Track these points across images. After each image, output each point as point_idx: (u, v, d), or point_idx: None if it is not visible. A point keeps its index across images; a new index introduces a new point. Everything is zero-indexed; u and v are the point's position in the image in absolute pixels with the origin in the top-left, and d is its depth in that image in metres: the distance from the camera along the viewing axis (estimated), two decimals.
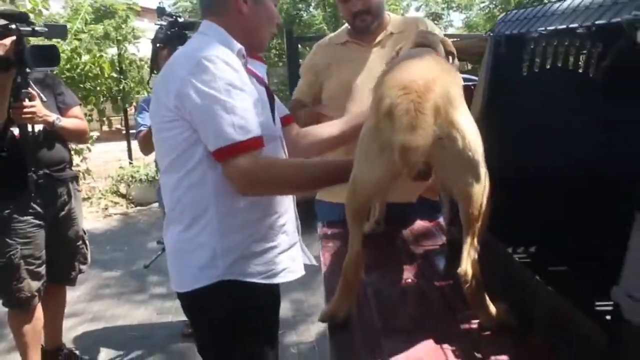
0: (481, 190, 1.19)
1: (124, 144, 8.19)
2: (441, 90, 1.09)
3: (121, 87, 7.16)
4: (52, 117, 2.54)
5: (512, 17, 1.49)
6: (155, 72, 3.26)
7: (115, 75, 6.99)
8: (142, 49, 7.51)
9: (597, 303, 1.17)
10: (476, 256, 1.21)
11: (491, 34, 1.55)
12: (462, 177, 1.16)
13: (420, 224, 2.13)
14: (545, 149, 1.42)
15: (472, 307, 1.28)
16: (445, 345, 1.22)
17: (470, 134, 1.12)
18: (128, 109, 7.72)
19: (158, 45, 2.98)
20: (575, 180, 1.32)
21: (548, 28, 1.19)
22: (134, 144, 8.57)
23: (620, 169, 1.18)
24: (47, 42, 2.61)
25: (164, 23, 2.82)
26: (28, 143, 2.46)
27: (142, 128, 3.15)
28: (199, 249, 1.46)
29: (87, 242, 3.01)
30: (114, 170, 7.25)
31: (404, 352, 1.21)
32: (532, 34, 1.29)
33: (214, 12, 1.53)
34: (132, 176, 6.96)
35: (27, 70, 2.28)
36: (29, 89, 2.36)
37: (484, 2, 24.30)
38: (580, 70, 1.29)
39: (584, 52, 1.24)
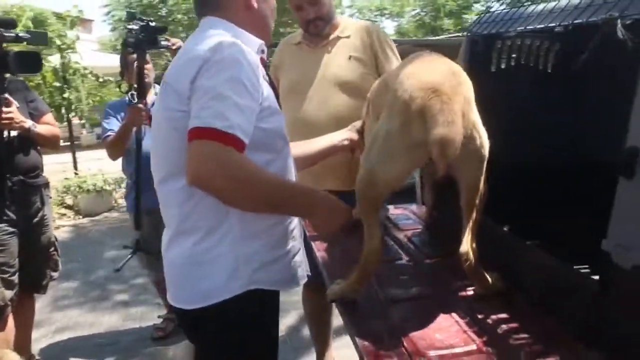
0: (483, 182, 1.37)
1: (68, 155, 7.97)
2: (464, 93, 1.25)
3: (65, 97, 6.99)
4: (28, 123, 2.53)
5: (486, 19, 1.68)
6: (124, 76, 3.28)
7: (58, 84, 6.82)
8: (86, 58, 7.38)
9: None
10: (473, 238, 1.38)
11: (467, 34, 1.73)
12: (474, 170, 1.33)
13: (394, 211, 2.29)
14: (522, 138, 1.61)
15: (471, 280, 1.44)
16: (448, 311, 1.37)
17: (484, 134, 1.28)
18: (72, 119, 7.53)
19: (128, 49, 2.99)
20: (546, 163, 1.52)
21: (527, 27, 1.36)
22: (80, 155, 8.41)
23: (588, 149, 1.37)
24: (30, 48, 2.60)
25: (135, 27, 2.82)
26: (2, 149, 2.43)
27: (109, 133, 3.16)
28: (219, 259, 1.36)
29: (58, 248, 2.98)
30: (59, 181, 7.05)
31: (413, 319, 1.35)
32: (509, 33, 1.47)
33: (215, 8, 1.45)
34: (79, 187, 6.80)
35: (7, 75, 2.27)
36: (6, 94, 2.34)
37: (415, 9, 25.21)
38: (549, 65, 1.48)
39: (555, 50, 1.43)
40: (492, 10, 1.75)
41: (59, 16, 7.54)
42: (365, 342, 1.24)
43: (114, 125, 3.16)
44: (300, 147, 1.78)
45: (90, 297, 4.28)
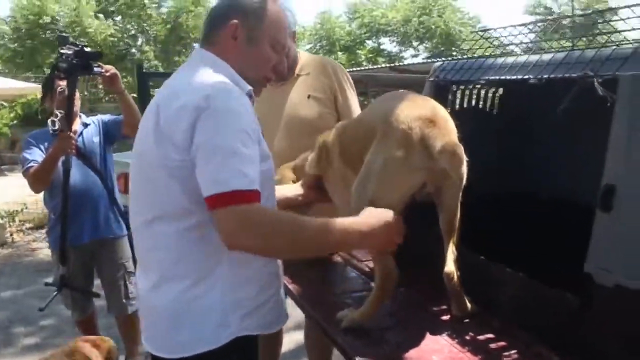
0: (459, 205, 1.51)
1: None
2: (453, 125, 1.41)
3: None
4: None
5: (450, 67, 1.86)
6: (45, 103, 3.12)
7: None
8: None
9: None
10: (456, 259, 1.51)
11: (431, 79, 1.90)
12: (456, 195, 1.47)
13: None
14: (485, 172, 1.80)
15: (452, 300, 1.56)
16: (436, 334, 1.49)
17: (465, 158, 1.42)
18: None
19: (56, 74, 2.84)
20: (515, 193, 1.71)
21: (501, 77, 1.55)
22: None
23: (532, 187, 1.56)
24: None
25: (69, 52, 2.70)
26: None
27: (32, 164, 2.97)
28: (209, 308, 1.31)
29: None
30: None
31: (407, 344, 1.44)
32: (479, 81, 1.65)
33: (210, 41, 1.42)
34: None
35: None
36: None
37: (310, 43, 26.05)
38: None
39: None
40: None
41: None
42: None
43: (36, 155, 2.99)
44: None
45: None
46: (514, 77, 1.51)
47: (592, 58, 1.32)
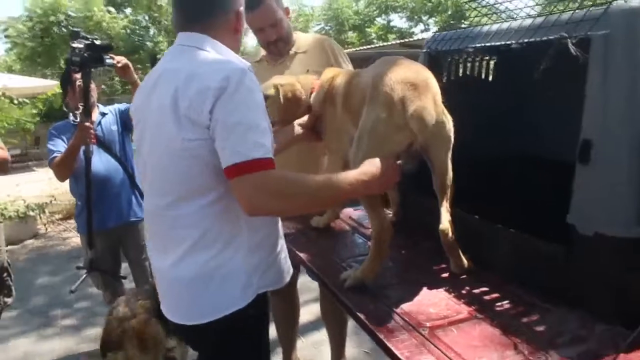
0: (450, 165, 1.61)
1: None
2: (433, 87, 1.52)
3: None
4: None
5: (441, 37, 1.93)
6: (67, 98, 3.25)
7: None
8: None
9: None
10: (450, 216, 1.61)
11: (426, 50, 1.97)
12: (444, 153, 1.58)
13: (355, 213, 2.48)
14: (475, 136, 1.88)
15: (449, 256, 1.66)
16: (435, 289, 1.59)
17: (450, 121, 1.53)
18: None
19: (72, 67, 2.97)
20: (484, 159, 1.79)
21: (485, 44, 1.62)
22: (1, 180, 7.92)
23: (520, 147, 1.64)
24: None
25: (80, 45, 2.82)
26: None
27: (55, 155, 3.12)
28: (235, 271, 1.45)
29: (12, 274, 2.92)
30: None
31: (407, 299, 1.55)
32: (467, 49, 1.72)
33: (212, 27, 1.47)
34: (1, 214, 6.46)
35: None
36: None
37: (319, 23, 25.97)
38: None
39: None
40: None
41: None
42: (375, 323, 1.42)
43: (59, 146, 3.14)
44: None
45: (35, 325, 4.12)
46: (499, 43, 1.58)
47: (569, 20, 1.38)
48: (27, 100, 6.83)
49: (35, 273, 5.34)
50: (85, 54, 2.82)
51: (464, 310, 1.46)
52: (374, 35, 23.40)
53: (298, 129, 2.05)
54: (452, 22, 22.15)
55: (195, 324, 1.47)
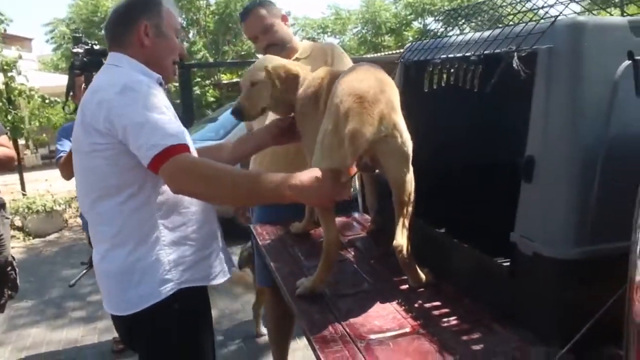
0: (410, 180, 1.58)
1: (15, 176, 7.86)
2: (386, 100, 1.48)
3: (10, 119, 6.93)
4: None
5: (415, 47, 1.91)
6: (70, 98, 3.36)
7: (1, 106, 6.77)
8: (31, 78, 7.31)
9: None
10: (407, 232, 1.59)
11: (401, 60, 1.96)
12: (399, 167, 1.54)
13: (338, 219, 2.47)
14: (445, 146, 1.85)
15: (405, 272, 1.64)
16: (387, 302, 1.57)
17: (406, 134, 1.51)
18: (19, 141, 7.45)
19: (75, 72, 3.08)
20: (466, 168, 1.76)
21: (449, 56, 1.59)
22: (27, 176, 8.28)
23: (501, 156, 1.61)
24: None
25: (81, 50, 2.93)
26: None
27: (62, 154, 3.24)
28: (150, 266, 1.54)
29: (16, 268, 3.04)
30: (6, 203, 6.93)
31: (356, 310, 1.54)
32: (434, 60, 1.69)
33: (119, 44, 1.63)
34: (28, 207, 6.72)
35: None
36: None
37: (356, 27, 25.95)
38: (467, 87, 1.72)
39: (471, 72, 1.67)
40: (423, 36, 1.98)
41: None
42: (315, 332, 1.42)
43: (66, 146, 3.25)
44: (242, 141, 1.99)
45: (47, 315, 4.29)
46: (459, 54, 1.56)
47: (519, 33, 1.35)
48: (58, 100, 7.07)
49: (55, 265, 5.54)
50: (85, 59, 2.92)
51: (408, 324, 1.44)
52: (410, 38, 23.24)
53: (273, 130, 2.00)
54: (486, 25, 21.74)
55: (123, 314, 1.58)
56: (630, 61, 1.23)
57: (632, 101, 1.24)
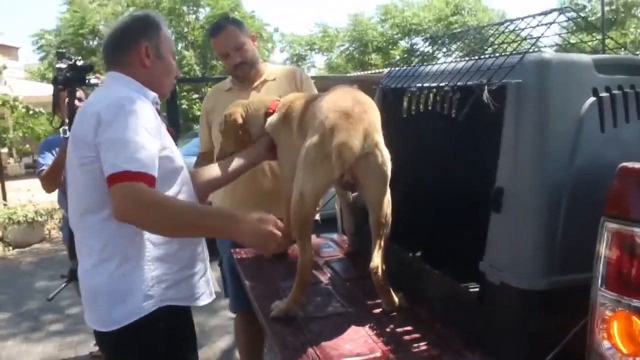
0: (388, 201, 1.61)
1: None
2: (369, 119, 1.52)
3: None
4: None
5: (393, 74, 1.95)
6: (56, 113, 3.36)
7: None
8: (16, 88, 7.28)
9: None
10: (382, 254, 1.61)
11: (379, 87, 1.99)
12: (378, 186, 1.57)
13: (315, 240, 2.50)
14: (422, 170, 1.89)
15: (379, 295, 1.66)
16: (360, 326, 1.59)
17: (386, 153, 1.54)
18: (1, 150, 7.39)
19: (59, 87, 3.08)
20: (442, 192, 1.79)
21: (424, 85, 1.63)
22: (9, 184, 8.21)
23: (476, 181, 1.65)
24: None
25: (64, 66, 2.93)
26: None
27: (43, 167, 3.24)
28: (135, 283, 1.53)
29: None
30: None
31: (328, 333, 1.55)
32: (411, 88, 1.73)
33: (119, 64, 1.66)
34: (9, 218, 6.65)
35: None
36: None
37: (343, 44, 26.13)
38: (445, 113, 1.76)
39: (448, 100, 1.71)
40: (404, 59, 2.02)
41: None
42: (287, 355, 1.43)
43: (48, 159, 3.25)
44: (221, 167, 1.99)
45: (23, 328, 4.23)
46: (434, 84, 1.60)
47: (490, 66, 1.39)
48: (42, 110, 7.04)
49: (34, 277, 5.47)
50: (67, 74, 2.93)
51: (379, 348, 1.45)
52: (397, 57, 23.51)
53: (270, 144, 2.06)
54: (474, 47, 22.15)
55: (105, 330, 1.56)
56: (594, 98, 1.27)
57: (596, 136, 1.29)
